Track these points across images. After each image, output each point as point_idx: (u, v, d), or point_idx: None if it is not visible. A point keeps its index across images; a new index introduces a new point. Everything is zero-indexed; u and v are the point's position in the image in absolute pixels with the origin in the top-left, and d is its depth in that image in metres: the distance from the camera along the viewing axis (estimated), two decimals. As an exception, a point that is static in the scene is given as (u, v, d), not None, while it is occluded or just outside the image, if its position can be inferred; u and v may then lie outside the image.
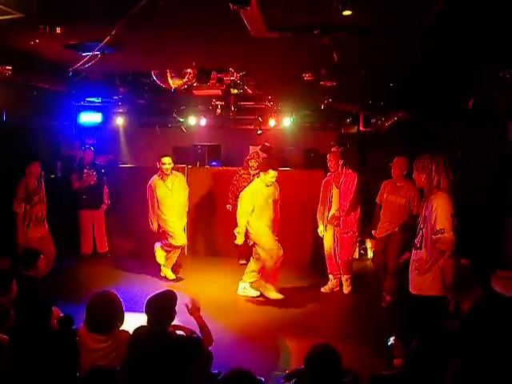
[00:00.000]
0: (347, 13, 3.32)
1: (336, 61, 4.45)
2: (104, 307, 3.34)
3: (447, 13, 3.34)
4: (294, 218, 7.78)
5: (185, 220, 7.30)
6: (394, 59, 4.89)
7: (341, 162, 6.58)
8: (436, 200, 3.95)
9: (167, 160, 6.77)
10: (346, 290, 6.83)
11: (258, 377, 2.87)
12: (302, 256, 7.71)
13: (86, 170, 8.12)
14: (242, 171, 8.03)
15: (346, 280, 6.84)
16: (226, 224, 7.52)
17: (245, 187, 7.73)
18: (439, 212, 3.91)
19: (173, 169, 6.93)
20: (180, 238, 7.08)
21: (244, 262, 8.02)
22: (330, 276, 6.90)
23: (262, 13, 3.36)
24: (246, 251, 8.09)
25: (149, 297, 3.55)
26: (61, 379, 3.20)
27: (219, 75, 5.86)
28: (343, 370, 2.93)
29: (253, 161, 7.90)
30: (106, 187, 8.43)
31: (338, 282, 6.88)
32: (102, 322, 3.33)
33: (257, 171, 7.86)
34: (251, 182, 7.79)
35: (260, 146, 10.20)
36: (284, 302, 6.41)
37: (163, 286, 6.65)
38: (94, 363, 3.20)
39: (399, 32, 3.87)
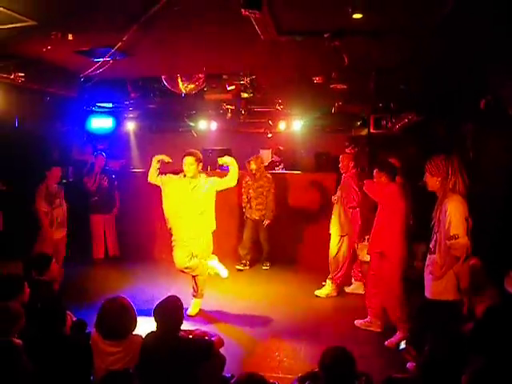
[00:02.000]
0: (358, 16, 3.31)
1: (346, 63, 4.44)
2: (117, 315, 3.35)
3: (458, 13, 3.32)
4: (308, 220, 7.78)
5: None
6: (405, 61, 4.87)
7: (351, 164, 6.54)
8: (450, 204, 3.91)
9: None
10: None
11: (271, 381, 2.87)
12: (318, 258, 7.67)
13: (98, 176, 8.16)
14: (247, 177, 8.05)
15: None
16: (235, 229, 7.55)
17: (252, 194, 7.77)
18: (453, 216, 3.86)
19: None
20: None
21: (241, 268, 8.08)
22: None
23: (273, 17, 3.37)
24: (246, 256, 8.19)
25: (155, 304, 3.57)
26: (75, 383, 3.22)
27: (229, 79, 5.87)
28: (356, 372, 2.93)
29: (251, 163, 7.90)
30: (116, 192, 8.48)
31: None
32: (116, 329, 3.34)
33: (257, 174, 7.90)
34: (258, 187, 7.83)
35: (271, 150, 10.25)
36: (298, 305, 6.44)
37: (175, 289, 6.69)
38: (108, 367, 3.22)
39: (409, 34, 3.86)
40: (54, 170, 6.89)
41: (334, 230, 6.71)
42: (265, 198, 7.94)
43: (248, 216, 8.02)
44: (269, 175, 8.11)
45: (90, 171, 8.24)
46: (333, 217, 6.74)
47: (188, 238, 5.72)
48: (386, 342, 5.19)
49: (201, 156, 5.83)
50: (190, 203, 5.68)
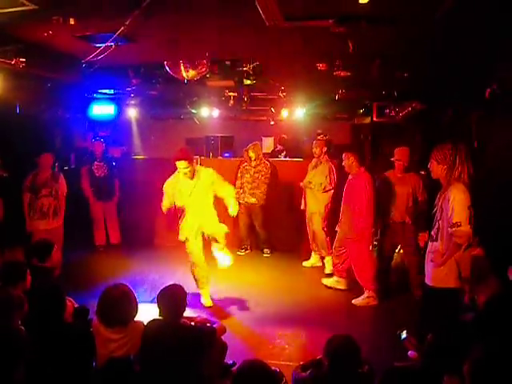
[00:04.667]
0: (364, 1, 3.27)
1: (351, 50, 4.40)
2: (118, 302, 3.34)
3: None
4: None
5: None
6: (409, 49, 4.82)
7: (324, 150, 7.06)
8: (453, 191, 3.90)
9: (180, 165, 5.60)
10: (328, 270, 7.12)
11: (272, 367, 2.87)
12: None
13: (96, 163, 8.07)
14: (245, 162, 8.09)
15: (328, 261, 7.20)
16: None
17: (248, 179, 7.82)
18: (456, 204, 3.86)
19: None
20: None
21: (242, 253, 8.15)
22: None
23: (278, 2, 3.33)
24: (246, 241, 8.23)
25: (159, 291, 3.58)
26: (77, 370, 3.23)
27: (232, 65, 5.83)
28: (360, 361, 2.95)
29: (250, 151, 7.97)
30: (117, 180, 8.39)
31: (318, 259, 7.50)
32: (118, 316, 3.34)
33: (256, 161, 7.95)
34: (255, 172, 7.89)
35: (274, 138, 10.23)
36: (298, 293, 6.46)
37: (178, 276, 6.71)
38: (110, 354, 3.23)
39: (415, 20, 3.82)
40: (42, 158, 6.66)
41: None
42: (260, 182, 7.99)
43: (241, 201, 8.00)
44: (267, 162, 8.16)
45: (90, 159, 8.14)
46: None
47: (196, 217, 5.76)
48: (353, 301, 5.98)
49: (191, 154, 5.78)
50: (193, 198, 5.69)
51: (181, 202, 5.76)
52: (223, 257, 6.07)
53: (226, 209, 5.83)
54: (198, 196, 5.69)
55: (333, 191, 7.05)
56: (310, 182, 7.16)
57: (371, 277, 5.99)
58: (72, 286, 4.90)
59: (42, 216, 6.66)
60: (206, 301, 5.97)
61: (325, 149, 7.12)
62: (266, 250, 8.27)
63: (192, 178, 5.63)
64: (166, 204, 5.80)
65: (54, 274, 4.62)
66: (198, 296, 5.99)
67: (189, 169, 5.54)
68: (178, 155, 5.54)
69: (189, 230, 5.77)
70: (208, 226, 5.82)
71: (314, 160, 7.29)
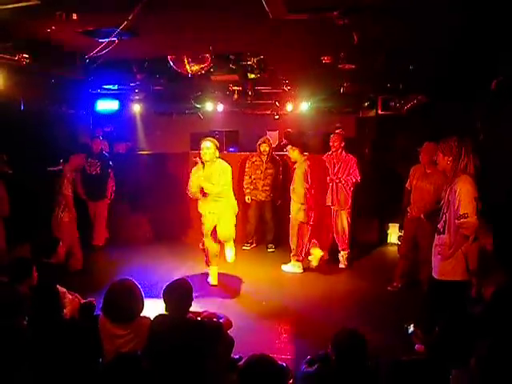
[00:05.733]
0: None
1: (356, 43, 4.36)
2: (124, 297, 3.34)
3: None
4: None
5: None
6: (415, 41, 4.78)
7: (343, 144, 7.20)
8: (459, 184, 3.89)
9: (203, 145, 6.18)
10: (342, 264, 7.36)
11: (280, 362, 2.86)
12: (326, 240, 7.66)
13: (89, 159, 7.78)
14: (255, 158, 8.05)
15: (342, 256, 7.35)
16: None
17: (259, 175, 7.80)
18: (463, 196, 3.85)
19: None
20: None
21: (247, 247, 8.16)
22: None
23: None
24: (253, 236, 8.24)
25: (165, 285, 3.57)
26: (82, 366, 3.22)
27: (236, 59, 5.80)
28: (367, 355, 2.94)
29: (264, 145, 7.95)
30: (111, 180, 8.15)
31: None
32: (124, 312, 3.33)
33: (268, 156, 7.94)
34: (267, 168, 7.86)
35: (278, 132, 10.20)
36: (306, 287, 6.49)
37: (182, 272, 6.72)
38: (117, 349, 3.22)
39: (420, 13, 3.77)
40: (76, 158, 7.02)
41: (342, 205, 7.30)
42: (273, 179, 7.95)
43: (253, 197, 7.99)
44: (277, 157, 8.14)
45: (88, 156, 7.84)
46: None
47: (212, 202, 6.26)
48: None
49: (217, 143, 6.25)
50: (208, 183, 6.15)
51: (203, 186, 6.18)
52: (227, 251, 6.45)
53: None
54: (211, 182, 6.14)
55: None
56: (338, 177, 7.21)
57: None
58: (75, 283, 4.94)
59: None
60: (213, 279, 6.47)
61: (343, 143, 7.23)
62: (270, 245, 8.26)
63: (209, 161, 6.09)
64: (192, 189, 6.21)
65: (61, 270, 4.64)
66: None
67: (211, 150, 6.07)
68: (206, 137, 6.27)
69: (204, 208, 6.29)
70: (221, 216, 6.26)
71: (333, 154, 7.31)
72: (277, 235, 8.25)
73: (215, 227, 6.33)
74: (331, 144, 7.25)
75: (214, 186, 6.12)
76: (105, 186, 8.06)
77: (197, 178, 6.13)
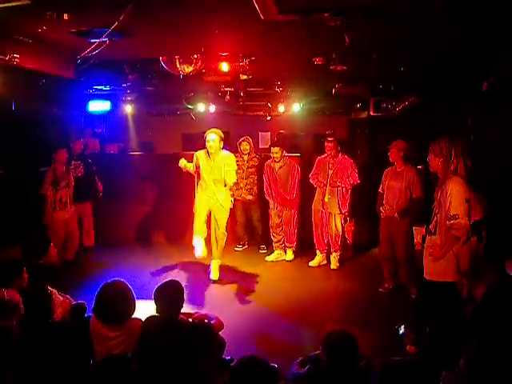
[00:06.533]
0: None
1: (347, 44, 4.37)
2: (115, 299, 3.33)
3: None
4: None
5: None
6: (406, 43, 4.80)
7: (338, 149, 7.22)
8: (450, 185, 3.92)
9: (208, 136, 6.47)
10: (334, 265, 7.37)
11: (271, 364, 2.86)
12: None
13: (73, 162, 7.49)
14: (236, 157, 8.03)
15: (335, 257, 7.36)
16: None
17: (241, 174, 7.80)
18: (454, 197, 3.87)
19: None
20: None
21: (239, 248, 8.15)
22: (317, 251, 7.52)
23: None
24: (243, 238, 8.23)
25: (156, 287, 3.56)
26: (72, 367, 3.20)
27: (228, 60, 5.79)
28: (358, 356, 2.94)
29: (244, 143, 7.95)
30: (97, 181, 7.94)
31: (324, 258, 7.54)
32: (115, 313, 3.32)
33: (249, 155, 7.94)
34: (249, 167, 7.87)
35: (270, 132, 10.21)
36: (298, 288, 6.52)
37: (174, 272, 6.71)
38: (108, 351, 3.21)
39: (411, 14, 3.79)
40: (60, 153, 6.99)
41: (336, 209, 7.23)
42: (254, 178, 7.96)
43: (238, 197, 7.95)
44: (258, 156, 8.14)
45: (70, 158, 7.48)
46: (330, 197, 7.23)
47: (209, 192, 6.48)
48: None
49: (222, 134, 6.46)
50: (210, 175, 6.43)
51: (202, 173, 6.43)
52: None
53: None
54: (213, 174, 6.39)
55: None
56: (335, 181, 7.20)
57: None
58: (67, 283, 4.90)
59: (63, 206, 7.01)
60: (214, 274, 6.63)
61: (339, 147, 7.23)
62: (262, 247, 8.25)
63: (215, 153, 6.34)
64: (187, 165, 6.45)
65: (49, 271, 4.60)
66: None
67: (216, 143, 6.32)
68: (212, 129, 6.46)
69: (202, 194, 6.48)
70: (217, 203, 6.47)
71: (327, 157, 7.30)
72: (266, 235, 8.21)
73: (210, 216, 6.52)
74: (328, 152, 7.23)
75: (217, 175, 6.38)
76: (89, 186, 7.80)
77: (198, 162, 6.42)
